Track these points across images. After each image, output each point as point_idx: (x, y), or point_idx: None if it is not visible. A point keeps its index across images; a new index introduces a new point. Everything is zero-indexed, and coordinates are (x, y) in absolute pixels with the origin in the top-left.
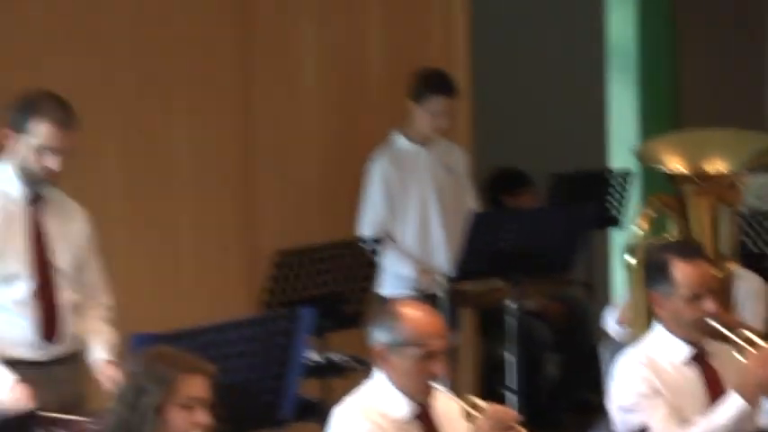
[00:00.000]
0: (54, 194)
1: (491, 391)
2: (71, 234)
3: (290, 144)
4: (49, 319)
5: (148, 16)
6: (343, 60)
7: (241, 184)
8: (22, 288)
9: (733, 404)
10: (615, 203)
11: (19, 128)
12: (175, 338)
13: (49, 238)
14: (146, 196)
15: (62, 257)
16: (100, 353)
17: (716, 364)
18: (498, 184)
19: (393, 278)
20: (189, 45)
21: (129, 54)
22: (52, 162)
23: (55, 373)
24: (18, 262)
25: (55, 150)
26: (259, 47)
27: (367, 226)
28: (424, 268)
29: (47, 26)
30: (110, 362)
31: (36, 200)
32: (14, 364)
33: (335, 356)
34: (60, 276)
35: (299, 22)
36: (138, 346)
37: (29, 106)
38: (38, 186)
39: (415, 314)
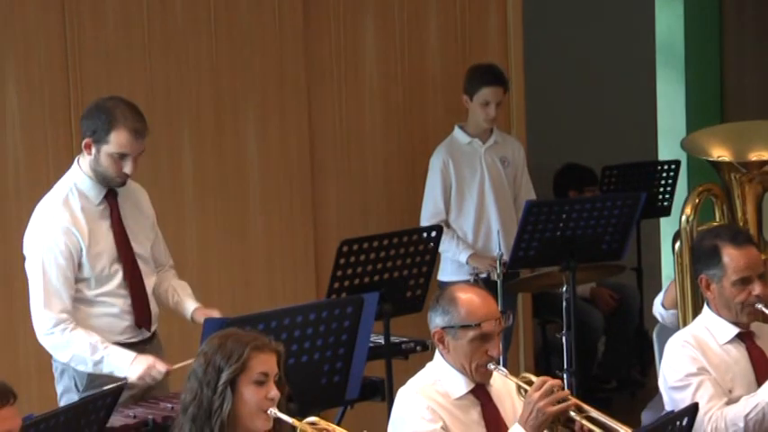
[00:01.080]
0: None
1: (547, 372)
2: (142, 218)
3: (352, 140)
4: (141, 307)
5: (220, 22)
6: (403, 58)
7: (307, 179)
8: (115, 281)
9: None
10: (664, 193)
11: (99, 137)
12: (247, 322)
13: (128, 230)
14: (216, 192)
15: (142, 245)
16: (192, 305)
17: (762, 344)
18: (566, 179)
19: (451, 265)
20: (257, 46)
21: (203, 58)
22: (128, 167)
23: (145, 352)
24: (109, 259)
25: (131, 156)
26: (323, 46)
27: (426, 217)
28: (480, 255)
29: (128, 37)
30: (200, 308)
31: (112, 197)
32: None
33: (398, 339)
34: (143, 262)
35: (360, 21)
36: (212, 329)
37: (107, 116)
38: (112, 186)
39: (470, 298)
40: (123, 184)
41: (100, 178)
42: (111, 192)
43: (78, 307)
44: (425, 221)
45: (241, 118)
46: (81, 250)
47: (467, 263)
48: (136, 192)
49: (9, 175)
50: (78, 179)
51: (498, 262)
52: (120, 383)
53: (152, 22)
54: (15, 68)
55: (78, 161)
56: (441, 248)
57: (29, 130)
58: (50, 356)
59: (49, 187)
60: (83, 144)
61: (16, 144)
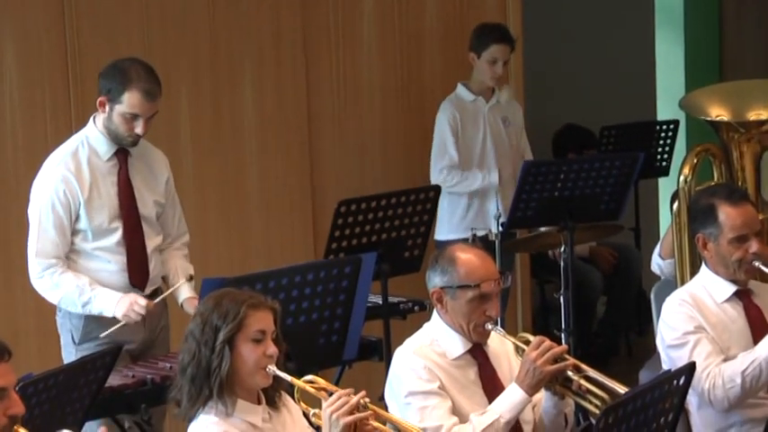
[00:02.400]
0: (139, 146)
1: (545, 332)
2: (155, 182)
3: (350, 98)
4: (137, 268)
5: None
6: (401, 16)
7: (304, 138)
8: (114, 238)
9: None
10: (663, 153)
11: (113, 97)
12: (244, 282)
13: (135, 189)
14: (213, 153)
15: (147, 206)
16: (186, 292)
17: (758, 302)
18: (566, 140)
19: (448, 224)
20: (253, 3)
21: (201, 19)
22: (139, 128)
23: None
24: (110, 214)
25: (142, 117)
26: (320, 3)
27: (438, 171)
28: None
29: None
30: (192, 298)
31: (122, 154)
32: None
33: (396, 299)
34: (147, 224)
35: None
36: (210, 289)
37: (122, 77)
38: (124, 145)
39: (468, 258)
40: (135, 143)
41: (112, 136)
42: (122, 150)
43: (75, 260)
44: (438, 172)
45: (238, 78)
46: (79, 201)
47: (500, 182)
48: (153, 154)
49: (7, 140)
50: (91, 134)
51: (496, 222)
52: (117, 344)
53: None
54: (12, 35)
55: (94, 118)
56: (461, 189)
57: (26, 97)
58: (50, 315)
59: (46, 155)
60: (97, 102)
61: (14, 112)
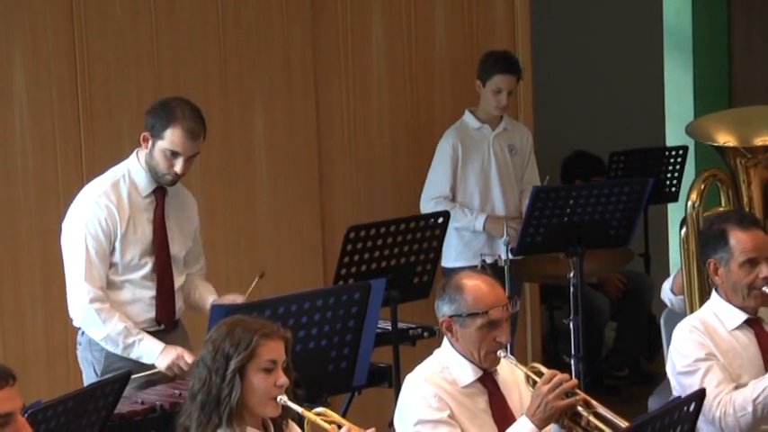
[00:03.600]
0: (175, 186)
1: (555, 359)
2: (186, 223)
3: (360, 125)
4: (165, 306)
5: (227, 6)
6: (410, 43)
7: (314, 165)
8: (141, 272)
9: None
10: (672, 179)
11: (156, 133)
12: (253, 308)
13: (168, 229)
14: (223, 179)
15: (177, 246)
16: (211, 298)
17: None
18: (575, 167)
19: (455, 250)
20: (264, 31)
21: (210, 43)
22: (179, 167)
23: (169, 339)
24: (141, 250)
25: (183, 156)
26: (329, 31)
27: (430, 195)
28: (493, 217)
29: (135, 24)
30: (217, 298)
31: (160, 192)
32: None
33: (405, 325)
34: (174, 263)
35: (368, 5)
36: (219, 316)
37: (167, 114)
38: (162, 183)
39: (476, 285)
40: (173, 183)
41: (152, 172)
42: (160, 188)
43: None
44: (428, 201)
45: (248, 105)
46: (117, 233)
47: (484, 229)
48: (186, 197)
49: (17, 156)
50: (133, 168)
51: (506, 247)
52: (126, 371)
53: (159, 8)
54: (22, 46)
55: (137, 153)
56: (452, 224)
57: (36, 108)
58: (59, 343)
59: (55, 169)
60: (141, 137)
61: (23, 123)
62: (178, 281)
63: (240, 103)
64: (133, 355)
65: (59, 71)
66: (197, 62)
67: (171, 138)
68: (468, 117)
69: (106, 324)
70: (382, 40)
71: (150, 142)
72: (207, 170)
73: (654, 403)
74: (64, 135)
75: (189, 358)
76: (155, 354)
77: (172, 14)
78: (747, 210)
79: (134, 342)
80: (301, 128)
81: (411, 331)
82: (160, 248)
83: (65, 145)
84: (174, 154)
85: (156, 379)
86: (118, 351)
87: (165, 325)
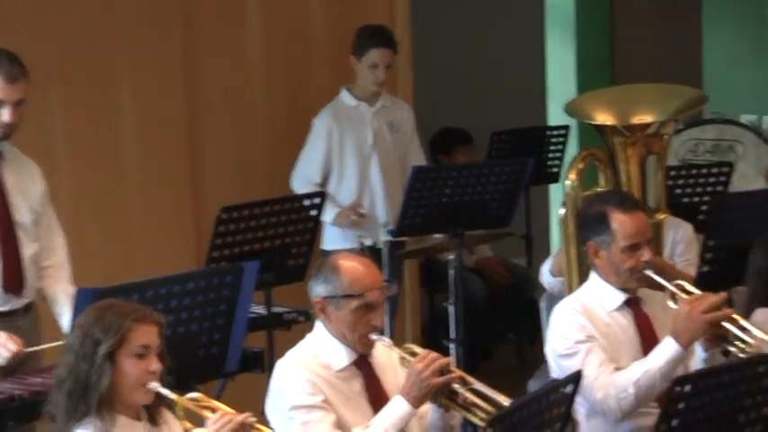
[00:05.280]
0: (11, 152)
1: (434, 342)
2: (28, 190)
3: (235, 102)
4: (12, 272)
5: None
6: (285, 16)
7: (187, 143)
8: None
9: (668, 348)
10: (554, 159)
11: None
12: (122, 292)
13: (7, 193)
14: (91, 160)
15: (21, 212)
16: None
17: (648, 311)
18: (436, 143)
19: (335, 233)
20: (132, 3)
21: (76, 28)
22: (7, 115)
23: (17, 323)
24: None
25: (5, 103)
26: (201, 3)
27: (299, 180)
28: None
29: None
30: None
31: None
32: None
33: (280, 309)
34: (22, 231)
35: None
36: (84, 300)
37: None
38: None
39: (352, 266)
40: (5, 135)
41: None
42: None
43: None
44: (298, 185)
45: (116, 80)
46: None
47: (333, 224)
48: (26, 163)
49: None
50: None
51: (385, 230)
52: None
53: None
54: None
55: None
56: (323, 215)
57: None
58: None
59: None
60: None
61: None
62: (28, 249)
63: (107, 82)
64: None
65: None
66: (60, 33)
67: None
68: (344, 95)
69: None
70: (257, 13)
71: None
72: (73, 151)
73: (533, 387)
74: None
75: (13, 347)
76: None
77: None
78: (626, 189)
79: None
80: (172, 104)
81: (286, 315)
82: (1, 214)
83: None
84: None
85: None
86: None
87: (14, 293)
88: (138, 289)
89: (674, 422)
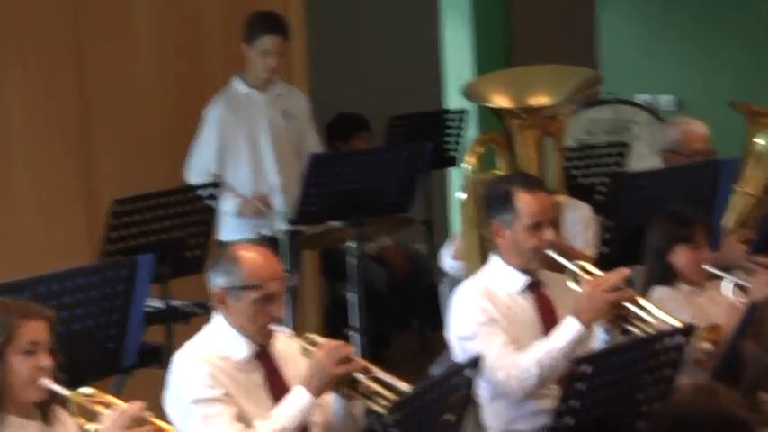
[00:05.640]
0: None
1: (335, 331)
2: None
3: (127, 91)
4: None
5: None
6: (177, 5)
7: (77, 134)
8: None
9: (570, 328)
10: (452, 143)
11: None
12: (9, 289)
13: None
14: None
15: None
16: None
17: (549, 292)
18: (332, 130)
19: (232, 223)
20: None
21: None
22: None
23: None
24: None
25: None
26: None
27: (194, 171)
28: (246, 200)
29: None
30: None
31: None
32: None
33: (177, 302)
34: None
35: None
36: None
37: None
38: None
39: (252, 257)
40: None
41: None
42: None
43: None
44: (192, 176)
45: (2, 68)
46: None
47: (239, 215)
48: None
49: None
50: None
51: (283, 219)
52: None
53: None
54: None
55: None
56: (219, 205)
57: None
58: None
59: None
60: None
61: None
62: None
63: None
64: None
65: None
66: None
67: None
68: (236, 83)
69: None
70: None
71: None
72: None
73: (436, 373)
74: None
75: None
76: None
77: None
78: (523, 170)
79: None
80: (61, 91)
81: (184, 309)
82: None
83: None
84: None
85: None
86: None
87: None
88: (28, 286)
89: (574, 402)
